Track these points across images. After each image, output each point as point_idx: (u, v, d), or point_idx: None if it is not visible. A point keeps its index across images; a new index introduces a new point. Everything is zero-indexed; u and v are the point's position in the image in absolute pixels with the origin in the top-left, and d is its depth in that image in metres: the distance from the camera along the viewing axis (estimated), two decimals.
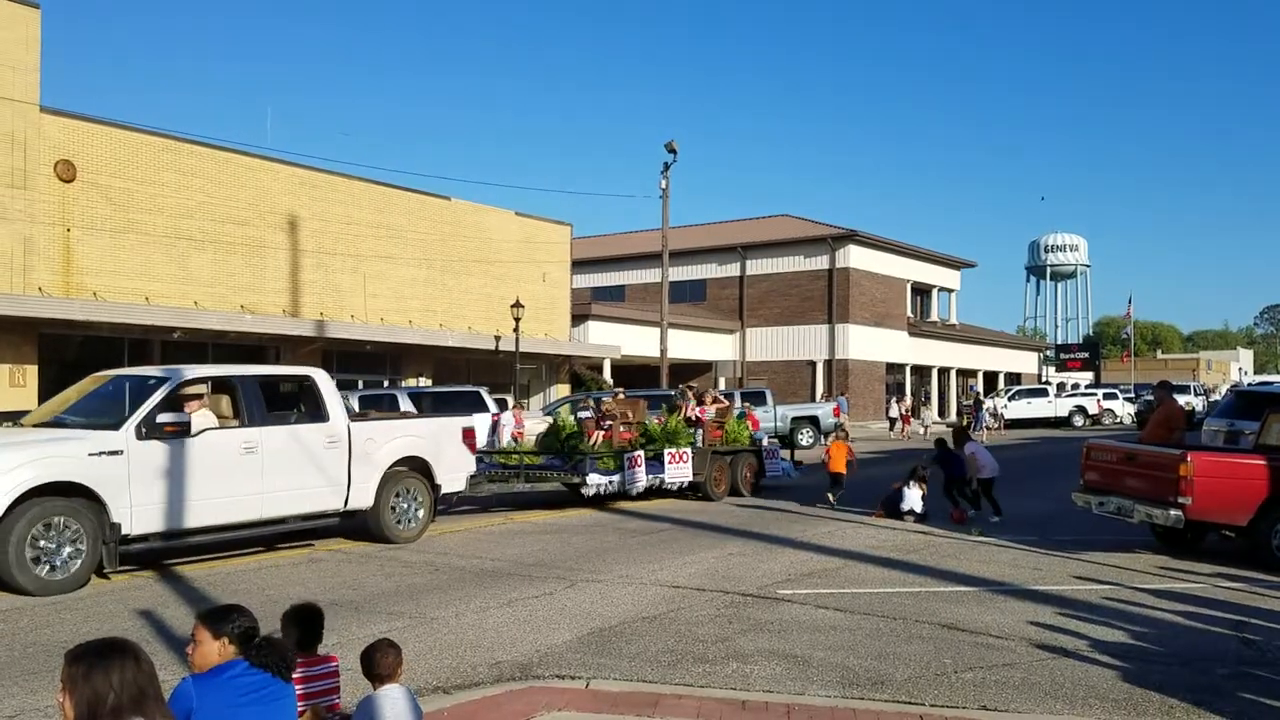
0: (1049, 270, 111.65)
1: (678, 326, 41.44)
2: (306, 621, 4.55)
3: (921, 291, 53.94)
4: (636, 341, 40.46)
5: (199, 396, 10.66)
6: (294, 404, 11.94)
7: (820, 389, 45.67)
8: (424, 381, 31.65)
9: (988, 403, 42.83)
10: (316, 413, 11.55)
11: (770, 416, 31.55)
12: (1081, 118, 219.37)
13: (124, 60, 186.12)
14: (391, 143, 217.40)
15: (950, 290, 56.58)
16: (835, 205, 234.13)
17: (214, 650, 3.66)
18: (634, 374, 42.05)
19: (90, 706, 2.79)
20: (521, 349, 31.36)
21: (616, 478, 15.62)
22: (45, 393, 22.33)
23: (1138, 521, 11.16)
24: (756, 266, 48.82)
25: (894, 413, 40.69)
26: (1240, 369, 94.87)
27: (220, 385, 11.14)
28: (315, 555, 11.48)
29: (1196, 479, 10.33)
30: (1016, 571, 10.28)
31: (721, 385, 44.75)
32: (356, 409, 19.97)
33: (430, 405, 22.22)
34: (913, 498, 14.22)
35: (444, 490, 12.96)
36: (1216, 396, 45.94)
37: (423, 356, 32.30)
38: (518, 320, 30.50)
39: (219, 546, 11.09)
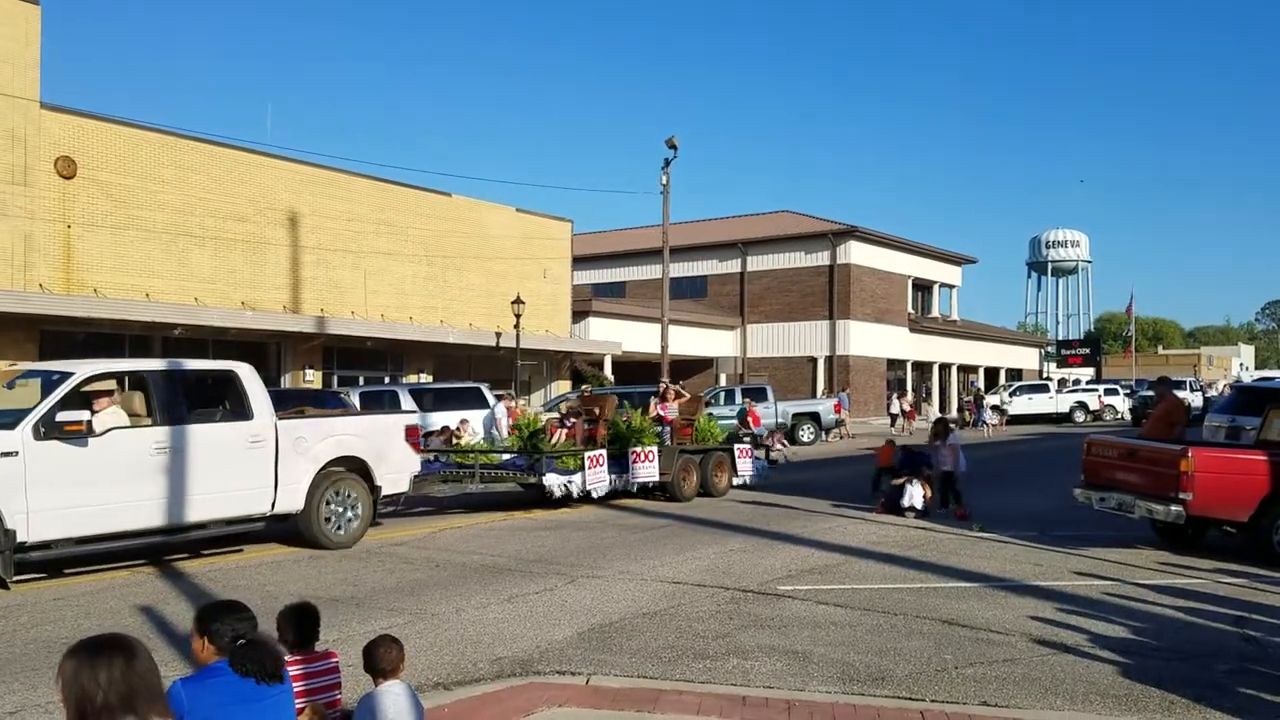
0: (1050, 266, 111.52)
1: (678, 323, 41.42)
2: (303, 620, 4.54)
3: (922, 287, 53.90)
4: (637, 338, 40.46)
5: (110, 393, 10.10)
6: (218, 401, 11.04)
7: (821, 385, 45.67)
8: (425, 378, 31.66)
9: (990, 398, 42.80)
10: (240, 410, 10.77)
11: (771, 412, 31.59)
12: (1083, 114, 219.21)
13: (124, 57, 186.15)
14: (391, 139, 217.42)
15: (951, 286, 56.53)
16: (836, 201, 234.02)
17: (199, 648, 3.64)
18: (635, 370, 42.06)
19: (78, 704, 2.79)
20: (522, 345, 31.37)
21: (577, 478, 14.90)
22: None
23: (1139, 517, 11.15)
24: (757, 262, 48.80)
25: (895, 409, 40.68)
26: (1241, 364, 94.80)
27: (134, 381, 10.55)
28: (315, 552, 11.48)
29: (1198, 474, 10.32)
30: (1017, 567, 10.28)
31: (723, 381, 44.70)
32: (358, 405, 20.02)
33: (431, 401, 22.23)
34: (914, 494, 14.22)
35: (385, 492, 12.26)
36: (1213, 393, 45.91)
37: (424, 353, 32.31)
38: (518, 316, 30.51)
39: (135, 554, 10.57)
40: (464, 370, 33.50)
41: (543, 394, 35.72)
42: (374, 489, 12.05)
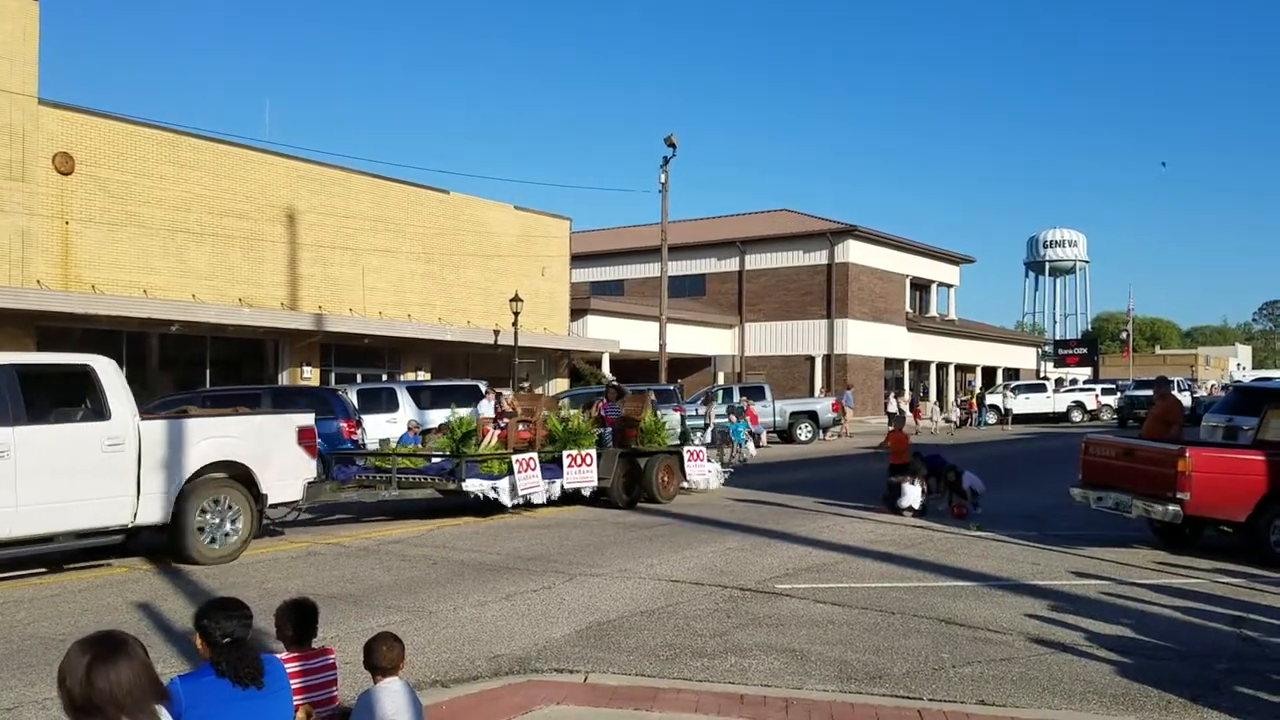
0: (1048, 266, 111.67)
1: (677, 321, 41.44)
2: (301, 616, 4.54)
3: (920, 287, 53.94)
4: (635, 336, 40.46)
5: None
6: (74, 399, 10.07)
7: (819, 384, 45.68)
8: (423, 375, 31.65)
9: (992, 398, 42.82)
10: (96, 410, 9.75)
11: (769, 411, 31.60)
12: (1081, 114, 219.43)
13: (122, 53, 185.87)
14: (390, 137, 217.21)
15: (949, 285, 56.59)
16: (835, 200, 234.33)
17: (200, 645, 3.70)
18: (633, 368, 42.06)
19: (77, 701, 2.81)
20: (520, 343, 31.36)
21: (504, 483, 13.73)
22: None
23: (1136, 517, 11.16)
24: (756, 261, 48.81)
25: (893, 407, 40.66)
26: (1239, 365, 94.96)
27: None
28: (314, 549, 11.47)
29: (1195, 474, 10.32)
30: (1014, 566, 10.28)
31: (721, 379, 44.74)
32: (356, 404, 20.01)
33: (429, 399, 22.22)
34: (912, 493, 14.22)
35: (274, 500, 11.22)
36: (1203, 392, 45.96)
37: (422, 350, 32.30)
38: (516, 314, 30.50)
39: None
40: (462, 368, 33.49)
41: (541, 392, 35.70)
42: (259, 497, 10.92)
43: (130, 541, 10.32)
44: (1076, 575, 9.82)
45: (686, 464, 16.50)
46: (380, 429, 20.55)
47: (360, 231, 30.00)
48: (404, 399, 21.89)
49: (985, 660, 6.76)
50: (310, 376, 28.60)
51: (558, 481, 14.47)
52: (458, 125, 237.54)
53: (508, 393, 16.73)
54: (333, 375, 29.66)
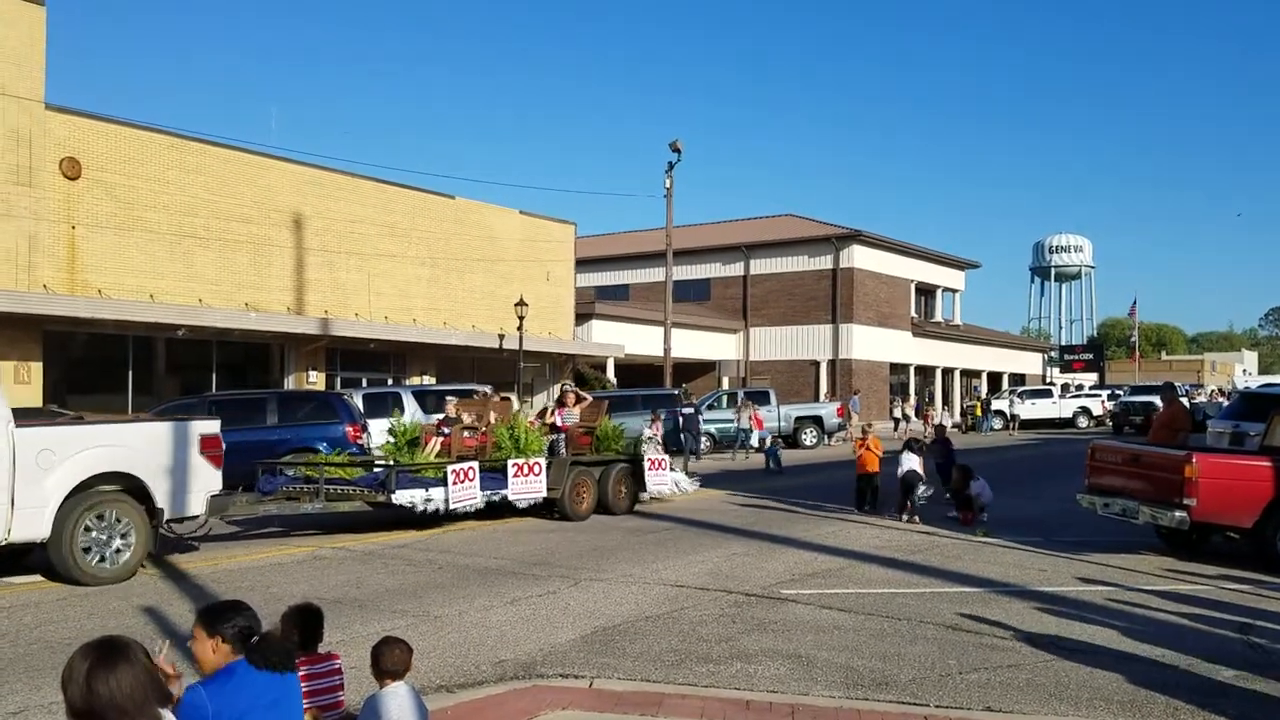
0: (1053, 271, 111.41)
1: (681, 326, 41.42)
2: (307, 621, 4.54)
3: (926, 292, 53.90)
4: (640, 341, 40.47)
5: None
6: None
7: (824, 389, 45.64)
8: (428, 380, 31.68)
9: (998, 403, 42.67)
10: None
11: (774, 416, 31.59)
12: (1087, 119, 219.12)
13: (129, 58, 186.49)
14: (395, 142, 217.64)
15: (954, 290, 56.54)
16: (840, 205, 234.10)
17: (208, 649, 3.54)
18: (638, 373, 42.07)
19: (82, 707, 2.82)
20: (525, 348, 31.37)
21: (438, 493, 12.88)
22: (50, 390, 22.39)
23: (1142, 523, 11.13)
24: (761, 266, 48.80)
25: (898, 413, 40.64)
26: (1245, 370, 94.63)
27: None
28: (319, 553, 11.48)
29: (1201, 480, 10.30)
30: (1021, 572, 10.26)
31: (725, 384, 44.73)
32: (362, 408, 20.02)
33: (434, 403, 22.21)
34: (910, 460, 14.41)
35: (172, 515, 10.37)
36: (1201, 398, 45.63)
37: (427, 355, 32.33)
38: (521, 319, 30.51)
39: None
40: (467, 373, 33.50)
41: (545, 396, 35.71)
42: (153, 512, 10.08)
43: (27, 558, 10.03)
44: (1083, 581, 9.80)
45: (646, 473, 15.58)
46: (386, 433, 20.48)
47: (366, 236, 30.05)
48: (409, 403, 21.90)
49: (992, 667, 6.74)
50: (316, 381, 28.64)
51: (499, 491, 13.61)
52: (463, 130, 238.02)
53: (453, 399, 15.82)
54: (338, 379, 29.70)
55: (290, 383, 28.04)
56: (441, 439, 14.33)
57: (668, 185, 34.77)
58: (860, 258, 46.65)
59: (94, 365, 24.71)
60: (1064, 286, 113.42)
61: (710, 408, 31.73)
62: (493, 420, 14.92)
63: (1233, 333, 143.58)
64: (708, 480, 20.72)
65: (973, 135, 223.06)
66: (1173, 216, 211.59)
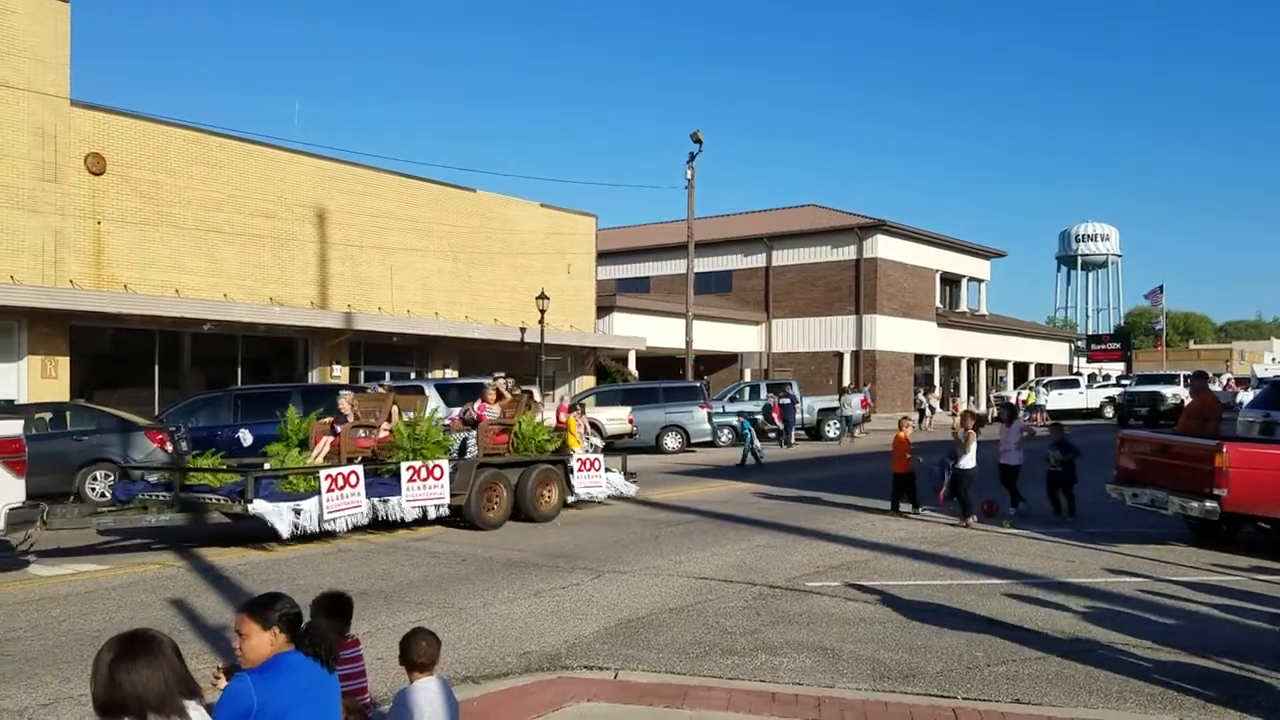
0: (1080, 260, 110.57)
1: (703, 318, 41.33)
2: (337, 610, 4.54)
3: (950, 281, 53.52)
4: (662, 333, 40.41)
5: None
6: None
7: (848, 380, 45.41)
8: (450, 373, 31.77)
9: (1020, 393, 42.19)
10: None
11: (798, 408, 31.49)
12: (1113, 108, 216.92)
13: (153, 54, 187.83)
14: (418, 136, 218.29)
15: (980, 280, 56.10)
16: (863, 195, 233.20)
17: (265, 642, 3.44)
18: (659, 365, 42.02)
19: (95, 701, 2.84)
20: (547, 341, 31.41)
21: (308, 504, 11.19)
22: (77, 385, 22.61)
23: (1172, 513, 11.00)
24: (783, 257, 48.60)
25: (923, 404, 40.32)
26: (1274, 359, 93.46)
27: None
28: (343, 546, 11.52)
29: (1232, 470, 10.16)
30: (1048, 564, 10.17)
31: (747, 376, 44.60)
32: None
33: (456, 396, 22.27)
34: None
35: None
36: (1216, 387, 44.55)
37: (449, 348, 32.42)
38: (543, 312, 30.54)
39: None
40: (489, 366, 33.56)
41: (567, 389, 35.74)
42: None
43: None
44: (1112, 573, 9.70)
45: (574, 474, 14.33)
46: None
47: (388, 230, 30.14)
48: (433, 396, 21.95)
49: (1020, 659, 6.67)
50: (340, 374, 28.79)
51: (389, 498, 12.02)
52: (485, 124, 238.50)
53: (348, 393, 13.93)
54: (362, 373, 29.83)
55: (314, 377, 28.19)
56: (332, 439, 12.82)
57: (689, 176, 34.65)
58: (884, 248, 46.34)
59: (121, 360, 24.92)
60: (1090, 275, 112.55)
61: (732, 400, 31.67)
62: (394, 417, 13.45)
63: (1261, 321, 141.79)
64: (732, 473, 20.69)
65: (998, 125, 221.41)
66: (1200, 204, 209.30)
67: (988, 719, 5.49)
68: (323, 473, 11.46)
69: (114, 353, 24.82)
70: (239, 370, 26.96)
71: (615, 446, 26.65)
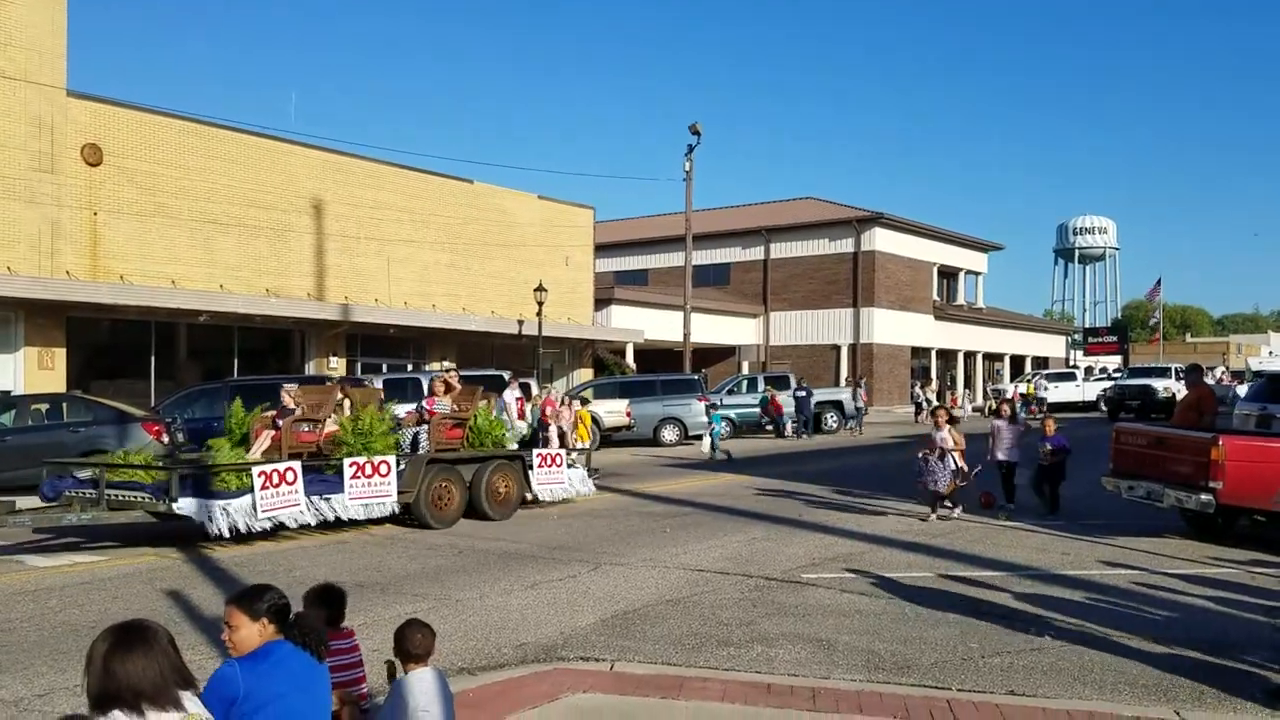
0: (1077, 253, 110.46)
1: (701, 310, 41.31)
2: (329, 601, 4.54)
3: (948, 274, 53.52)
4: (660, 325, 40.39)
5: None
6: None
7: (845, 373, 45.43)
8: (447, 365, 31.75)
9: (1018, 387, 42.16)
10: None
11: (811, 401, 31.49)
12: (1112, 101, 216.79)
13: (149, 44, 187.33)
14: (415, 127, 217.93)
15: (977, 273, 56.10)
16: (860, 188, 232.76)
17: (254, 632, 3.48)
18: (657, 358, 42.02)
19: (90, 691, 2.85)
20: (544, 333, 31.38)
21: (240, 503, 10.55)
22: (73, 376, 22.58)
23: (1168, 506, 11.01)
24: (781, 250, 48.56)
25: (920, 398, 40.33)
26: (1270, 352, 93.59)
27: None
28: (341, 538, 11.53)
29: (1228, 463, 10.17)
30: (1044, 556, 10.19)
31: (745, 369, 44.62)
32: (383, 394, 20.02)
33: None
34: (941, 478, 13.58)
35: None
36: (1210, 380, 44.41)
37: (446, 340, 32.39)
38: (540, 304, 30.51)
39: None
40: (487, 358, 33.54)
41: (565, 382, 35.74)
42: None
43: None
44: (1107, 565, 9.72)
45: (533, 470, 13.77)
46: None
47: (385, 222, 30.08)
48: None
49: (1014, 650, 6.69)
50: (337, 366, 28.76)
51: (330, 496, 11.36)
52: (483, 115, 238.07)
53: (292, 386, 13.24)
54: (359, 365, 29.81)
55: (311, 368, 28.16)
56: (273, 433, 12.11)
57: (687, 168, 34.63)
58: (881, 240, 46.32)
59: (117, 351, 24.89)
60: (1088, 268, 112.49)
61: (730, 393, 31.67)
62: (339, 411, 12.87)
63: (1259, 314, 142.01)
64: (728, 465, 20.71)
65: (996, 117, 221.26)
66: (1198, 198, 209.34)
67: (982, 710, 5.50)
68: (256, 469, 10.75)
69: (110, 344, 24.79)
70: (235, 362, 26.91)
71: (613, 439, 26.70)
